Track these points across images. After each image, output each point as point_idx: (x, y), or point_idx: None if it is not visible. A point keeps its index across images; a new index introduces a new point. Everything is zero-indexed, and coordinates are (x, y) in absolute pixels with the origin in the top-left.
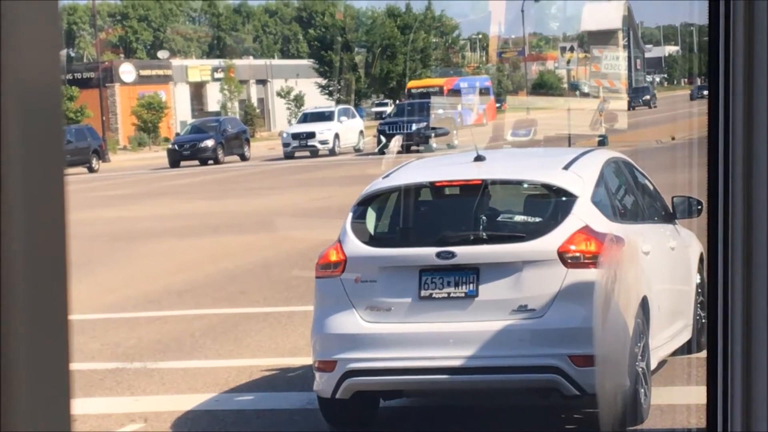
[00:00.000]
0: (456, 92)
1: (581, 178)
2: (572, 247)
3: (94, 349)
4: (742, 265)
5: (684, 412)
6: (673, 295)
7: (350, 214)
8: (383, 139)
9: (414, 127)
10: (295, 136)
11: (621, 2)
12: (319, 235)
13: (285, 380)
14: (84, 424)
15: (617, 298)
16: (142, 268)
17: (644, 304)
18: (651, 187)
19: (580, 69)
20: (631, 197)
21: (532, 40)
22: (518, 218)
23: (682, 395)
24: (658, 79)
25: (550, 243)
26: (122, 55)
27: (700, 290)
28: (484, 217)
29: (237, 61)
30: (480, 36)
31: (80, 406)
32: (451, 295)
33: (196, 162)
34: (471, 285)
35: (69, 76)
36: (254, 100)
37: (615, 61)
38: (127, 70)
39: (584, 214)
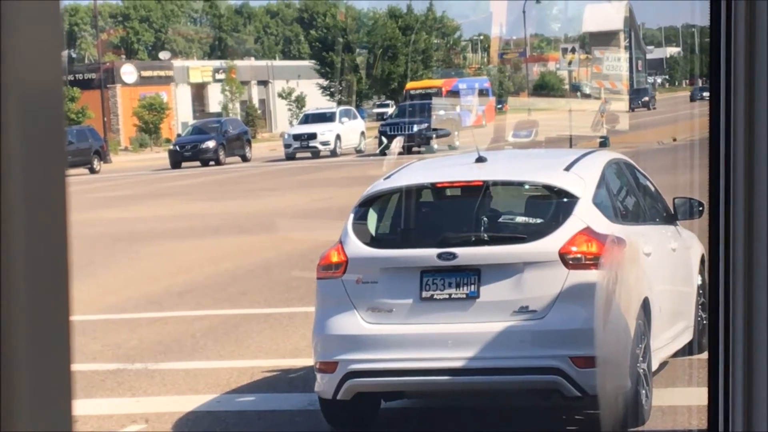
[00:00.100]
0: (454, 93)
1: (582, 180)
2: (573, 249)
3: (95, 350)
4: (743, 267)
5: (685, 414)
6: (674, 296)
7: (351, 215)
8: (384, 140)
9: (415, 128)
10: (297, 137)
11: (622, 3)
12: (321, 236)
13: (286, 381)
14: (85, 425)
15: (618, 300)
16: (143, 269)
17: (645, 306)
18: (652, 189)
19: (581, 70)
20: (632, 198)
21: (534, 41)
22: (519, 219)
23: (683, 396)
24: (659, 80)
25: (551, 244)
26: (123, 56)
27: (701, 291)
28: (485, 219)
29: (238, 62)
30: (481, 37)
31: (81, 407)
32: (453, 296)
33: (198, 163)
34: (472, 286)
35: (70, 77)
36: (255, 101)
37: (616, 62)
38: (128, 71)
39: (585, 215)
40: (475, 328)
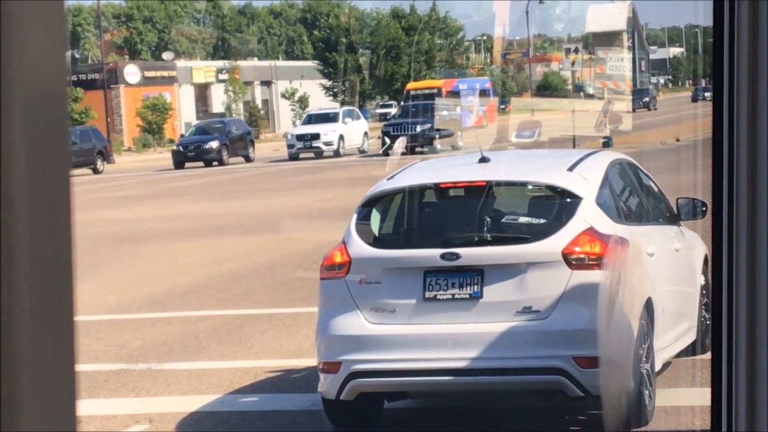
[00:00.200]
0: (455, 94)
1: (586, 180)
2: (577, 249)
3: (98, 350)
4: (746, 267)
5: (688, 414)
6: (677, 296)
7: (355, 216)
8: (387, 140)
9: (418, 128)
10: (300, 137)
11: (625, 3)
12: (324, 236)
13: (289, 381)
14: (89, 425)
15: (622, 300)
16: (147, 269)
17: (649, 306)
18: (655, 189)
19: (584, 70)
20: (635, 199)
21: (537, 41)
22: (523, 220)
23: (686, 397)
24: (662, 81)
25: (554, 244)
26: (127, 57)
27: (704, 292)
28: (488, 219)
29: (241, 63)
30: (484, 37)
31: (85, 407)
32: (456, 296)
33: (201, 163)
34: (475, 286)
35: (74, 78)
36: (259, 102)
37: (620, 62)
38: (131, 72)
39: (589, 215)
40: (478, 328)
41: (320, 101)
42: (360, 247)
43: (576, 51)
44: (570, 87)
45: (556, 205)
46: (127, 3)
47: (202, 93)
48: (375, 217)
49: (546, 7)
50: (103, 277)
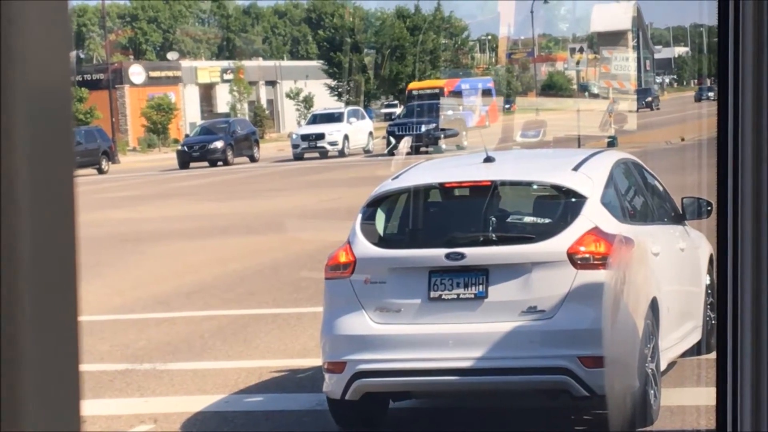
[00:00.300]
0: (457, 94)
1: (591, 179)
2: (582, 249)
3: (103, 350)
4: (751, 266)
5: (693, 414)
6: (682, 296)
7: (359, 216)
8: (392, 140)
9: (423, 128)
10: (305, 137)
11: (630, 3)
12: (329, 236)
13: (294, 381)
14: (93, 425)
15: (627, 300)
16: (151, 269)
17: (654, 306)
18: (660, 188)
19: (589, 70)
20: (640, 198)
21: (542, 41)
22: (528, 219)
23: (691, 396)
24: (667, 80)
25: (559, 244)
26: (132, 57)
27: (709, 291)
28: (493, 219)
29: (246, 63)
30: (489, 37)
31: (90, 407)
32: (461, 296)
33: (206, 163)
34: (480, 286)
35: (78, 78)
36: (263, 102)
37: (624, 62)
38: (136, 72)
39: (594, 215)
40: (483, 328)
41: (325, 101)
42: (365, 247)
43: (581, 50)
44: (575, 87)
45: (561, 205)
46: (131, 3)
47: (207, 93)
48: (380, 216)
49: (551, 7)
50: (107, 277)
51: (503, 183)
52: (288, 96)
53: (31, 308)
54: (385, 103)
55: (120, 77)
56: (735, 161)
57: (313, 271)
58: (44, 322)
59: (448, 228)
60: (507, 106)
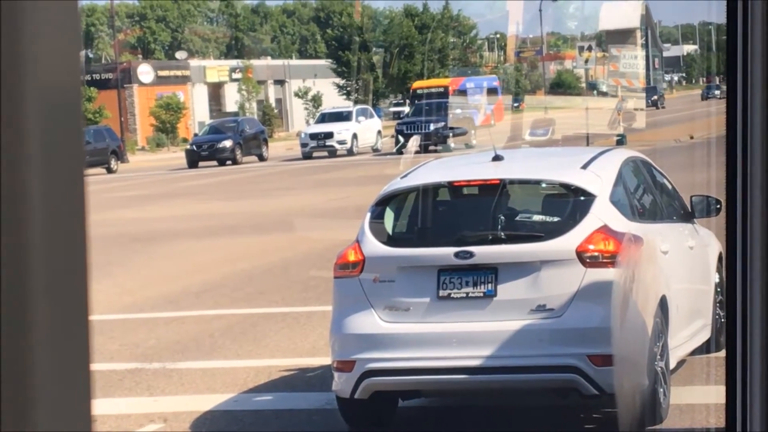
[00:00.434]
0: (462, 92)
1: (600, 178)
2: (591, 247)
3: (113, 349)
4: (761, 265)
5: (703, 412)
6: (691, 294)
7: (368, 214)
8: (401, 139)
9: (432, 127)
10: (313, 136)
11: (639, 1)
12: (337, 235)
13: (304, 380)
14: (104, 424)
15: (636, 298)
16: (161, 268)
17: (663, 304)
18: (669, 186)
19: (598, 68)
20: (649, 196)
21: (550, 39)
22: (536, 218)
23: (701, 395)
24: (676, 78)
25: (568, 242)
26: (140, 56)
27: (719, 289)
28: (502, 217)
29: (255, 62)
30: (498, 35)
31: (99, 406)
32: (470, 294)
33: (215, 162)
34: (489, 285)
35: (87, 77)
36: (272, 101)
37: (633, 60)
38: (145, 71)
39: (603, 213)
40: (492, 326)
41: (333, 100)
42: (374, 246)
43: (589, 49)
44: (583, 85)
45: (569, 203)
46: (140, 2)
47: (216, 92)
48: (389, 215)
49: (559, 6)
50: (117, 277)
51: (512, 182)
52: (296, 95)
53: (41, 308)
54: (394, 101)
55: (129, 76)
56: (744, 159)
57: (322, 270)
58: (55, 322)
59: (457, 227)
60: (516, 104)
